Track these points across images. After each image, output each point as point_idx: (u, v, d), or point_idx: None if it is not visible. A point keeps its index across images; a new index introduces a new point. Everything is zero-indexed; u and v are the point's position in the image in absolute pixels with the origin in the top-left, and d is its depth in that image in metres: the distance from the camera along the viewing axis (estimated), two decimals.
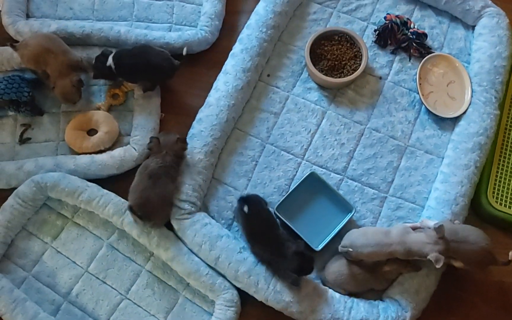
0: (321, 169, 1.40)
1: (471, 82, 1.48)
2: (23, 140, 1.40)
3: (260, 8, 1.55)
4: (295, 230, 1.27)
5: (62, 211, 1.32)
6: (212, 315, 1.22)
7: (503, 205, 1.36)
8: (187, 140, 1.33)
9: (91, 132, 1.42)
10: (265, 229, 1.21)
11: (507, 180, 1.40)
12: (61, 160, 1.34)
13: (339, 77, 1.48)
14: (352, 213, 1.30)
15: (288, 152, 1.41)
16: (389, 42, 1.57)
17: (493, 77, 1.46)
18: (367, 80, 1.52)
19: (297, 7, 1.62)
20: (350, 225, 1.31)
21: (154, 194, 1.21)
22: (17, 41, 1.42)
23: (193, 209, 1.28)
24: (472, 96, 1.46)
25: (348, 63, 1.50)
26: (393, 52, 1.57)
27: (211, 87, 1.45)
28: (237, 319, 1.21)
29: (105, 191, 1.30)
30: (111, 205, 1.27)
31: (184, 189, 1.29)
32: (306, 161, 1.41)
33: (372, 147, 1.43)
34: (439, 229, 1.12)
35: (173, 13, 1.61)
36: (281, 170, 1.39)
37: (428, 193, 1.37)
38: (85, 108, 1.44)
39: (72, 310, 1.22)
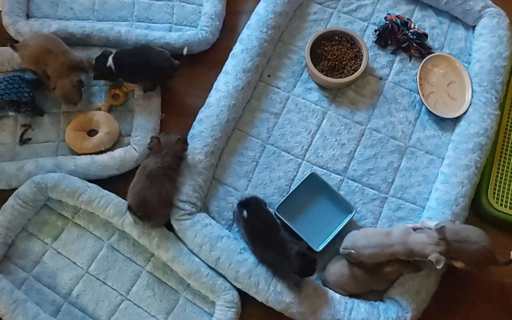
0: (322, 169, 1.40)
1: (471, 83, 1.48)
2: (23, 141, 1.40)
3: (260, 8, 1.55)
4: (296, 231, 1.27)
5: (62, 212, 1.32)
6: (212, 316, 1.22)
7: (503, 205, 1.36)
8: (188, 140, 1.33)
9: (92, 132, 1.42)
10: (267, 230, 1.21)
11: (507, 180, 1.40)
12: (62, 161, 1.34)
13: (340, 78, 1.48)
14: (353, 213, 1.30)
15: (288, 153, 1.41)
16: (390, 42, 1.57)
17: (493, 78, 1.46)
18: (368, 80, 1.52)
19: (298, 7, 1.62)
20: (351, 225, 1.31)
21: (151, 194, 1.21)
22: (17, 42, 1.42)
23: (193, 209, 1.28)
24: (472, 97, 1.46)
25: (349, 64, 1.50)
26: (394, 53, 1.57)
27: (212, 88, 1.45)
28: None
29: (106, 191, 1.30)
30: (112, 205, 1.27)
31: (185, 189, 1.29)
32: (307, 161, 1.41)
33: (372, 148, 1.43)
34: (440, 230, 1.12)
35: (174, 13, 1.61)
36: (282, 171, 1.39)
37: (428, 194, 1.37)
38: (85, 109, 1.44)
39: (73, 311, 1.23)
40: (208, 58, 1.56)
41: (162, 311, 1.23)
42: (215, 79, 1.47)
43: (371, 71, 1.53)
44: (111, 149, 1.40)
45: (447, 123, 1.46)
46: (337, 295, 1.22)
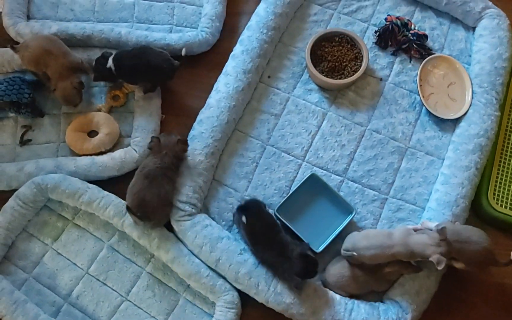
0: (322, 170, 1.40)
1: (471, 84, 1.48)
2: (23, 142, 1.40)
3: (260, 9, 1.55)
4: (296, 232, 1.27)
5: (62, 213, 1.32)
6: (212, 316, 1.22)
7: (503, 206, 1.36)
8: (188, 141, 1.33)
9: (92, 133, 1.42)
10: (267, 232, 1.21)
11: (507, 181, 1.40)
12: (62, 162, 1.34)
13: (340, 79, 1.48)
14: (353, 214, 1.30)
15: (288, 154, 1.41)
16: (390, 43, 1.57)
17: (493, 79, 1.46)
18: (368, 81, 1.52)
19: (298, 8, 1.62)
20: (351, 226, 1.31)
21: (150, 194, 1.21)
22: (17, 43, 1.43)
23: (193, 210, 1.28)
24: (472, 98, 1.46)
25: (349, 65, 1.50)
26: (394, 54, 1.57)
27: (212, 89, 1.46)
28: None
29: (106, 192, 1.30)
30: (112, 206, 1.27)
31: (185, 190, 1.29)
32: (307, 162, 1.41)
33: (372, 149, 1.43)
34: (441, 231, 1.12)
35: (174, 15, 1.61)
36: (282, 172, 1.39)
37: (428, 195, 1.37)
38: (85, 110, 1.44)
39: (73, 311, 1.23)
40: (208, 59, 1.56)
41: (162, 312, 1.23)
42: (215, 80, 1.47)
43: (371, 72, 1.53)
44: (112, 150, 1.40)
45: (447, 124, 1.46)
46: (337, 296, 1.22)
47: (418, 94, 1.48)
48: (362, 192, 1.37)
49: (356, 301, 1.23)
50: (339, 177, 1.39)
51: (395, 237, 1.17)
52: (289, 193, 1.34)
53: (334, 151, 1.42)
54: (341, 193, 1.36)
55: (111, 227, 1.30)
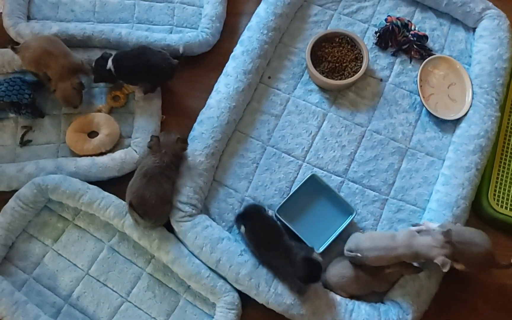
0: (322, 171, 1.40)
1: (472, 84, 1.48)
2: (24, 142, 1.40)
3: (261, 10, 1.56)
4: (296, 233, 1.27)
5: (63, 214, 1.32)
6: (213, 317, 1.22)
7: (504, 207, 1.36)
8: (188, 142, 1.33)
9: (92, 134, 1.42)
10: (269, 236, 1.21)
11: (508, 182, 1.40)
12: (62, 162, 1.34)
13: (340, 79, 1.48)
14: (353, 215, 1.30)
15: (289, 154, 1.41)
16: (390, 44, 1.57)
17: (494, 79, 1.46)
18: (368, 82, 1.52)
19: (298, 9, 1.62)
20: (351, 227, 1.31)
21: (149, 192, 1.20)
22: (18, 43, 1.42)
23: (194, 211, 1.28)
24: (473, 98, 1.46)
25: (349, 65, 1.50)
26: (394, 54, 1.57)
27: (212, 89, 1.46)
28: None
29: (106, 193, 1.30)
30: (112, 207, 1.27)
31: (185, 191, 1.29)
32: (307, 163, 1.41)
33: (373, 149, 1.43)
34: (447, 233, 1.12)
35: (174, 15, 1.61)
36: (282, 172, 1.39)
37: (429, 196, 1.37)
38: (86, 110, 1.44)
39: (73, 312, 1.22)
40: (208, 60, 1.56)
41: (162, 313, 1.23)
42: (216, 81, 1.47)
43: (372, 73, 1.53)
44: (112, 150, 1.40)
45: (448, 125, 1.46)
46: (338, 297, 1.22)
47: (419, 95, 1.48)
48: (363, 193, 1.37)
49: (356, 302, 1.22)
50: (339, 178, 1.39)
51: (399, 238, 1.17)
52: (290, 194, 1.34)
53: (334, 151, 1.42)
54: (342, 194, 1.36)
55: (112, 228, 1.30)
